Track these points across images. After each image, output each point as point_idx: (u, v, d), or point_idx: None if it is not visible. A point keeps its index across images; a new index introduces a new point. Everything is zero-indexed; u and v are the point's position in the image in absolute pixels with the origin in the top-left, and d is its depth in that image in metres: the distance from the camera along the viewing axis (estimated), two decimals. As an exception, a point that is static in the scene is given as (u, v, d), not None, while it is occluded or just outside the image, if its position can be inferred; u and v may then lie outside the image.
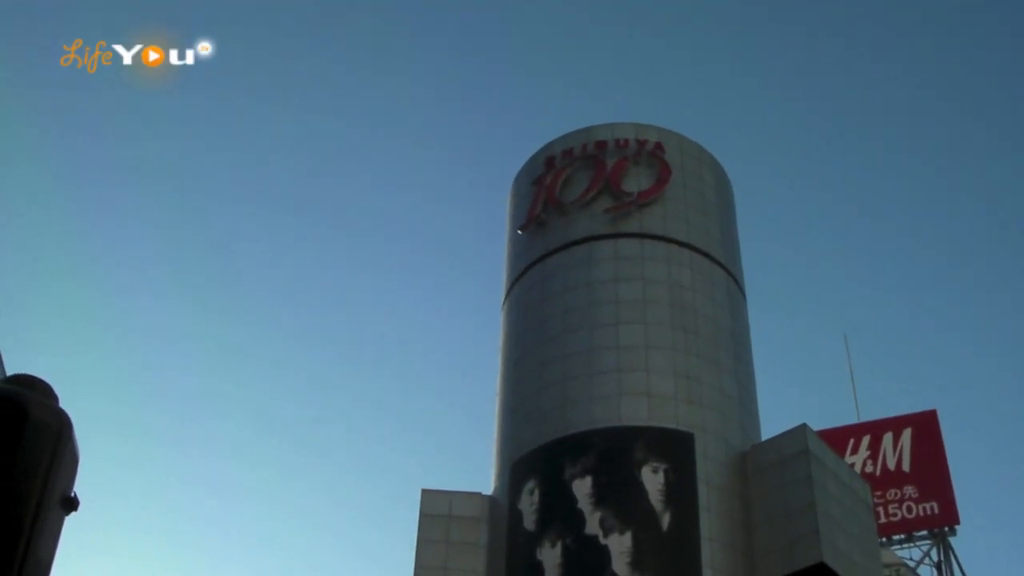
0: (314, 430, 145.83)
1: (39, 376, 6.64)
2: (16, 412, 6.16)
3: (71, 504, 6.53)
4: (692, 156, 46.99)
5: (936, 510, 65.63)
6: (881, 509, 61.85)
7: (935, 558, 65.39)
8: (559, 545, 38.30)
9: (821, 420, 73.21)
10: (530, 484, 40.22)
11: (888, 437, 67.92)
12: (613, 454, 38.95)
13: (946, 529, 66.01)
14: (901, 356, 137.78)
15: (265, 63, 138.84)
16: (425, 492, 42.81)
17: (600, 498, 38.53)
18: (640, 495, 38.51)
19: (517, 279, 45.40)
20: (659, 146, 45.76)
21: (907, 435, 67.84)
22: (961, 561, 66.36)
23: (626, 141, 45.74)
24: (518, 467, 40.71)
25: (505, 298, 46.23)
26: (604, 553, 37.48)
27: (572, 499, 38.85)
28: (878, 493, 59.79)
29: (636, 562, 37.20)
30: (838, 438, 63.37)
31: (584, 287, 42.66)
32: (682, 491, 38.74)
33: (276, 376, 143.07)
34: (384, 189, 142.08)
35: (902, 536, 65.54)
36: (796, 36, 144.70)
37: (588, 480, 38.79)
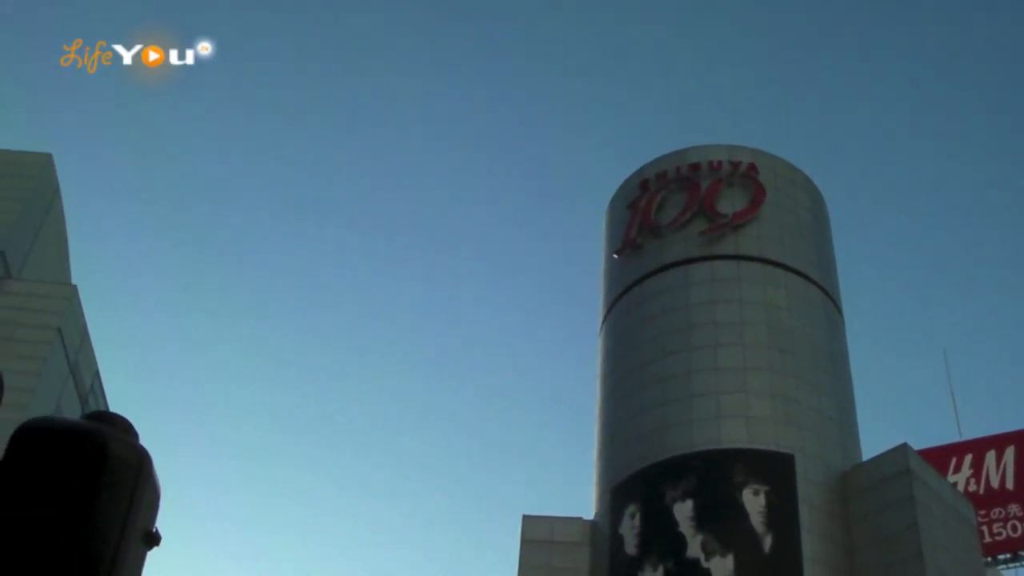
0: (417, 457, 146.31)
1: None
2: (96, 449, 6.27)
3: (153, 539, 6.64)
4: (786, 177, 46.87)
5: (1040, 529, 64.76)
6: (985, 528, 61.02)
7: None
8: (661, 568, 38.25)
9: (922, 439, 72.80)
10: (631, 508, 40.22)
11: (991, 455, 67.03)
12: (713, 476, 38.87)
13: (1050, 550, 65.21)
14: (1002, 372, 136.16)
15: (265, 63, 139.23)
16: (526, 518, 42.91)
17: (701, 521, 38.45)
18: (742, 517, 38.39)
19: (614, 303, 45.45)
20: (753, 167, 45.69)
21: (1010, 452, 66.87)
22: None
23: (720, 163, 45.72)
24: (619, 491, 40.72)
25: (603, 322, 46.29)
26: (706, 576, 37.47)
27: (673, 522, 38.80)
28: (982, 512, 59.00)
29: (739, 585, 37.14)
30: (939, 457, 62.65)
31: (681, 310, 42.62)
32: (783, 513, 38.59)
33: (380, 402, 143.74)
34: (468, 212, 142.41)
35: (1007, 556, 64.68)
36: (891, 56, 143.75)
37: (689, 503, 38.74)
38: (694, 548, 37.81)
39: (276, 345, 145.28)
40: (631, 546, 39.19)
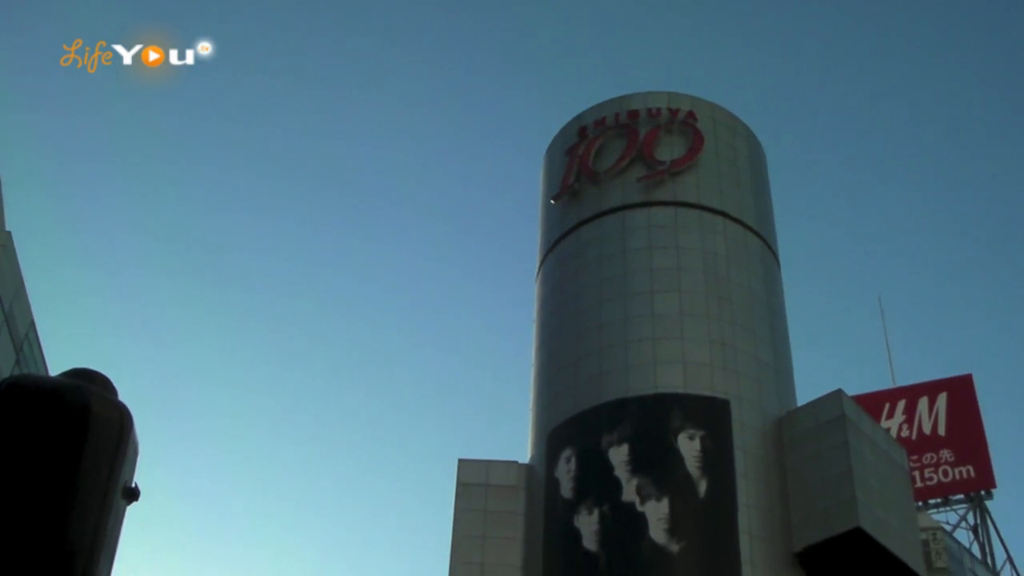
0: (349, 402, 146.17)
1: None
2: (80, 407, 6.30)
3: (133, 494, 6.68)
4: (725, 125, 46.91)
5: (972, 474, 65.50)
6: (917, 474, 61.72)
7: (971, 522, 65.32)
8: (596, 512, 38.45)
9: (856, 386, 73.16)
10: (567, 452, 40.36)
11: (923, 402, 67.77)
12: (649, 421, 39.06)
13: (982, 493, 65.88)
14: (936, 321, 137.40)
15: (265, 63, 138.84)
16: (462, 462, 43.00)
17: (637, 465, 38.63)
18: (677, 462, 38.62)
19: (551, 249, 45.45)
20: (692, 115, 45.71)
21: (942, 400, 67.69)
22: (998, 525, 66.30)
23: (658, 110, 45.70)
24: (555, 436, 40.85)
25: (539, 268, 46.30)
26: (641, 520, 37.63)
27: (609, 467, 38.99)
28: (914, 458, 59.69)
29: (673, 528, 37.34)
30: (874, 403, 63.31)
31: (618, 256, 42.68)
32: (719, 458, 38.84)
33: (309, 348, 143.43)
34: (410, 164, 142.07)
35: (938, 500, 65.45)
36: (829, 4, 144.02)
37: (625, 448, 38.91)
38: (629, 492, 38.01)
39: (215, 297, 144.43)
40: (567, 490, 39.34)
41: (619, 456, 38.58)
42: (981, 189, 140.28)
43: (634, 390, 39.42)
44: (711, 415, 38.94)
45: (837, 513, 37.57)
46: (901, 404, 67.72)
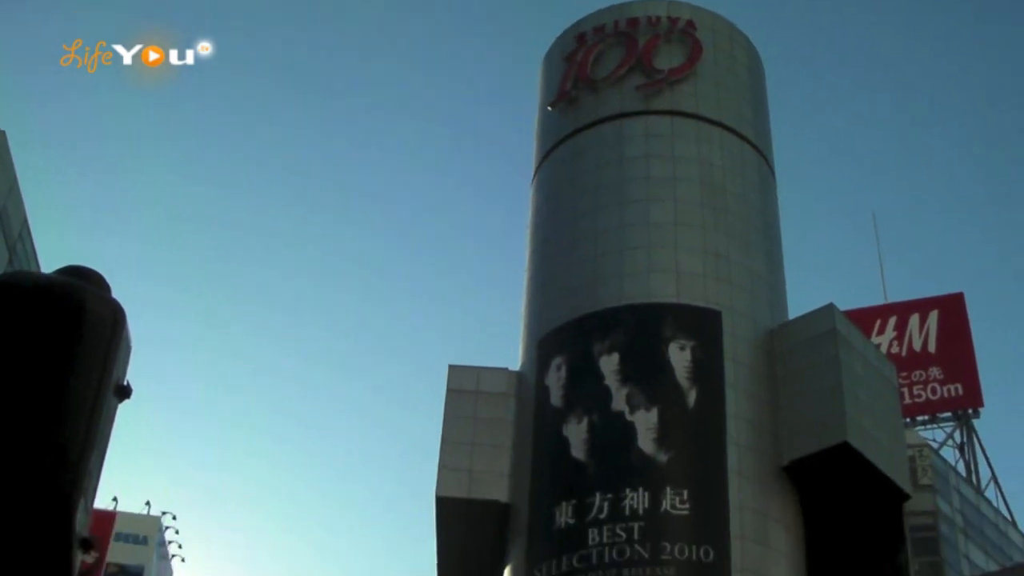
0: (340, 307, 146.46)
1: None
2: (74, 304, 6.23)
3: (124, 392, 6.63)
4: (724, 35, 46.52)
5: (960, 392, 65.77)
6: (906, 390, 61.88)
7: (958, 440, 65.73)
8: (585, 421, 38.47)
9: (848, 301, 73.41)
10: (557, 360, 40.32)
11: (915, 319, 67.88)
12: (641, 331, 38.99)
13: (970, 411, 66.25)
14: (930, 238, 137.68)
15: (265, 63, 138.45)
16: (452, 368, 42.99)
17: (627, 374, 38.62)
18: (667, 372, 38.60)
19: (547, 155, 45.19)
20: (691, 24, 45.30)
21: (933, 317, 67.79)
22: (984, 443, 66.66)
23: (658, 18, 45.27)
24: (545, 343, 40.81)
25: (535, 174, 46.06)
26: (630, 429, 37.66)
27: (599, 375, 38.97)
28: (903, 374, 59.81)
29: (662, 438, 37.39)
30: (865, 319, 63.31)
31: (614, 164, 42.45)
32: (709, 369, 38.83)
33: (302, 254, 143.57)
34: (405, 70, 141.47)
35: (926, 417, 65.78)
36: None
37: (615, 356, 38.87)
38: (619, 401, 38.02)
39: (205, 204, 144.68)
40: (556, 398, 39.35)
41: (610, 365, 38.55)
42: (979, 110, 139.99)
43: (627, 299, 39.32)
44: (703, 326, 38.89)
45: (825, 427, 37.65)
46: (892, 321, 67.83)
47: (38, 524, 5.97)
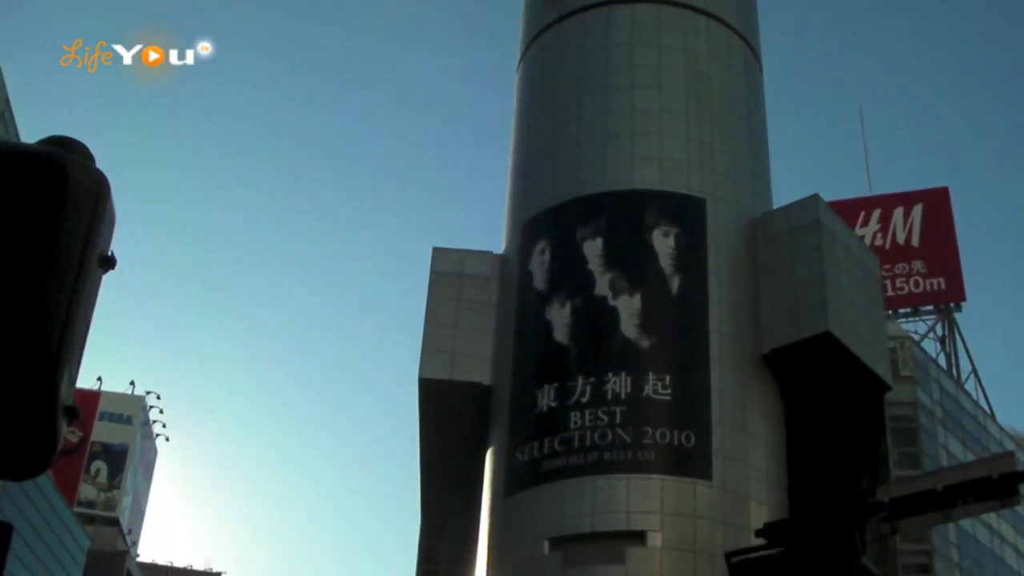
0: (324, 192, 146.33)
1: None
2: (57, 174, 6.26)
3: (108, 262, 6.70)
4: (710, -80, 46.21)
5: (943, 286, 66.06)
6: (889, 282, 62.14)
7: (940, 333, 66.13)
8: (568, 305, 38.68)
9: (833, 192, 73.58)
10: (541, 244, 40.44)
11: (899, 212, 67.93)
12: (625, 216, 39.07)
13: (952, 305, 66.58)
14: (916, 131, 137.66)
15: (264, 63, 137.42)
16: (436, 250, 43.09)
17: (611, 260, 38.77)
18: (650, 258, 38.76)
19: (532, 41, 44.94)
20: (677, -91, 44.94)
21: (918, 210, 67.87)
22: (965, 337, 67.09)
23: (644, -96, 44.89)
24: (529, 227, 40.88)
25: (520, 60, 45.87)
26: (613, 314, 37.90)
27: (583, 260, 39.12)
28: (886, 267, 60.05)
29: (644, 324, 37.63)
30: (849, 211, 63.33)
31: (600, 51, 42.26)
32: (692, 256, 38.99)
33: (286, 146, 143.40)
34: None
35: (908, 310, 66.10)
36: None
37: (599, 241, 39.00)
38: (602, 286, 38.21)
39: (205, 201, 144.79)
40: (540, 281, 39.53)
41: (593, 250, 38.69)
42: (966, 2, 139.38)
43: (611, 184, 39.37)
44: (686, 213, 38.99)
45: (807, 317, 37.90)
46: (876, 213, 67.91)
47: (22, 391, 6.05)
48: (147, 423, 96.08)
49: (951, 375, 59.69)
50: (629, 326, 37.42)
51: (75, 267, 6.20)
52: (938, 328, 66.15)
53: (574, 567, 35.85)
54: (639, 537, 35.84)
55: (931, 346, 63.78)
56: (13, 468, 6.28)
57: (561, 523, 36.24)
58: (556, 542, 36.42)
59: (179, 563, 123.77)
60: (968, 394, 58.34)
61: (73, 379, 6.40)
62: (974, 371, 65.28)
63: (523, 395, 38.34)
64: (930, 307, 66.29)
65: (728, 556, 15.75)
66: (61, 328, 6.06)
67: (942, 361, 61.71)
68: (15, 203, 6.08)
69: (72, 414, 6.39)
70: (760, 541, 15.85)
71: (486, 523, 39.16)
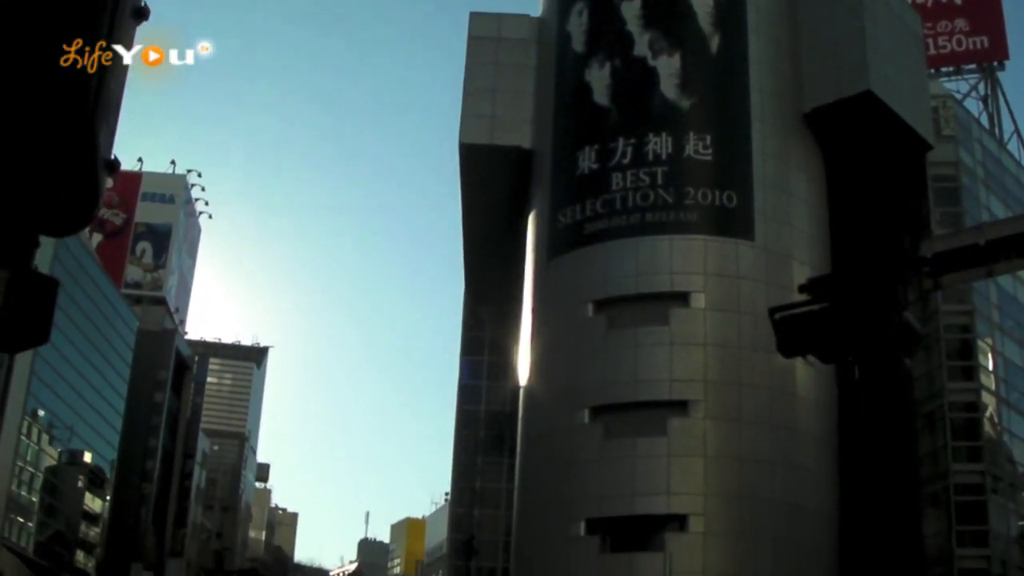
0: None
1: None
2: None
3: (142, 12, 6.80)
4: None
5: (986, 44, 65.04)
6: (931, 41, 61.24)
7: (982, 92, 65.34)
8: (608, 66, 38.44)
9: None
10: (579, 5, 40.03)
11: (941, -32, 66.81)
12: (663, -25, 38.66)
13: (995, 64, 65.67)
14: None
15: (264, 63, 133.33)
16: (474, 15, 42.60)
17: (649, 20, 38.41)
18: (690, 17, 38.37)
19: None
20: None
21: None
22: (1008, 96, 66.53)
23: None
24: (567, -11, 40.57)
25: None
26: (653, 75, 37.68)
27: (621, 20, 38.76)
28: (928, 25, 59.11)
29: (684, 84, 37.43)
30: (891, -33, 62.22)
31: None
32: (731, 13, 38.56)
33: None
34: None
35: (950, 69, 65.25)
36: None
37: (637, 2, 38.61)
38: (641, 47, 37.95)
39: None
40: (579, 43, 39.25)
41: (632, 10, 38.33)
42: None
43: (649, -59, 38.86)
44: (726, -31, 38.54)
45: (848, 75, 37.61)
46: (919, -31, 66.73)
47: (64, 144, 6.13)
48: (189, 201, 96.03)
49: (993, 135, 59.27)
50: (669, 86, 37.25)
51: (108, 20, 6.24)
52: (980, 87, 65.39)
53: (618, 329, 36.23)
54: (683, 298, 36.13)
55: (973, 105, 63.17)
56: (58, 223, 6.40)
57: (604, 285, 36.56)
58: (600, 304, 36.78)
59: (227, 339, 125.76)
60: (1011, 154, 58.02)
61: (112, 129, 6.50)
62: (1017, 131, 64.70)
63: (564, 158, 38.38)
64: (972, 65, 65.43)
65: (772, 312, 15.80)
66: (98, 77, 6.13)
67: (984, 121, 61.16)
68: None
69: (112, 167, 6.50)
70: (803, 297, 15.88)
71: (529, 286, 39.53)
